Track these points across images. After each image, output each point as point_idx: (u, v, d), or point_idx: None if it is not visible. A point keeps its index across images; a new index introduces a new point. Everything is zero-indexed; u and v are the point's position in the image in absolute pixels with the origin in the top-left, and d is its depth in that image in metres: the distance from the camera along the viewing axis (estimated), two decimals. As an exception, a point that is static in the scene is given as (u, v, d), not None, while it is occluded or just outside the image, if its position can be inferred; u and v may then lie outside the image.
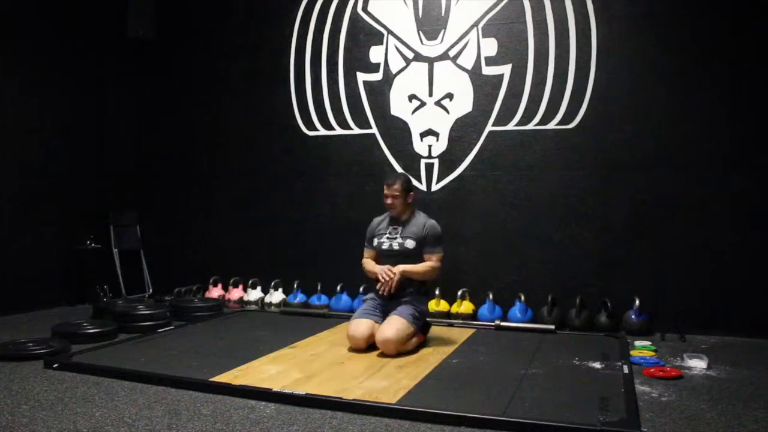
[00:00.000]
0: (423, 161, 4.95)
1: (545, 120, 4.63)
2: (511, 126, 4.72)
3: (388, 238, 3.84)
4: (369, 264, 3.91)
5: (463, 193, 4.85)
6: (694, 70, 4.29)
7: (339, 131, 5.19)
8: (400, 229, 3.84)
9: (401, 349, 3.51)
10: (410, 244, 3.76)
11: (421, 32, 4.94)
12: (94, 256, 5.42)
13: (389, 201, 3.81)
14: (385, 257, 3.84)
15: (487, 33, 4.78)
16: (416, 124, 4.96)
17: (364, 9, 5.11)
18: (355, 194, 5.13)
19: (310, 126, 5.27)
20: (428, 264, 3.77)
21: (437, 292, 4.67)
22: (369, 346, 3.59)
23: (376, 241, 3.89)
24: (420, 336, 3.77)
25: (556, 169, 4.61)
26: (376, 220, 4.02)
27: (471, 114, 4.82)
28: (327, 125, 5.22)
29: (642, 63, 4.40)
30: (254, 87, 5.45)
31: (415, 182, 4.94)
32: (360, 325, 3.63)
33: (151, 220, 5.83)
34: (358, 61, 5.12)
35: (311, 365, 3.35)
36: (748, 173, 4.20)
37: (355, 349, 3.59)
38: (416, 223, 3.83)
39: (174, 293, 5.34)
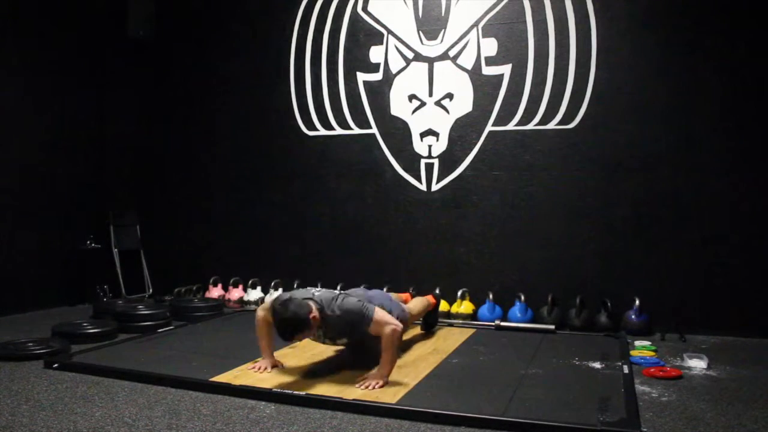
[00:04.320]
0: (423, 161, 4.94)
1: (545, 120, 4.63)
2: (511, 126, 4.72)
3: (316, 339, 3.19)
4: (268, 332, 3.21)
5: (463, 193, 4.85)
6: (694, 70, 4.29)
7: (339, 131, 5.19)
8: (321, 333, 3.13)
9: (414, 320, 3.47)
10: (344, 340, 3.23)
11: (421, 32, 4.94)
12: (94, 256, 5.43)
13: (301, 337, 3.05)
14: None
15: (487, 33, 4.77)
16: (416, 124, 4.96)
17: (364, 9, 5.11)
18: (355, 194, 5.14)
19: (310, 126, 5.27)
20: (387, 337, 2.96)
21: (437, 292, 4.66)
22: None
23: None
24: (431, 297, 3.99)
25: (556, 169, 4.61)
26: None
27: (471, 114, 4.82)
28: (327, 125, 5.22)
29: (642, 63, 4.40)
30: (254, 87, 5.45)
31: (414, 182, 4.95)
32: None
33: (151, 220, 5.83)
34: (358, 61, 5.12)
35: (311, 365, 3.35)
36: (748, 173, 4.20)
37: None
38: (332, 323, 3.04)
39: (174, 293, 5.34)
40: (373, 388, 2.91)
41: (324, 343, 3.26)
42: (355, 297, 3.16)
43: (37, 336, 3.87)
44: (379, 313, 3.04)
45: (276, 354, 3.42)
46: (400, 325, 3.05)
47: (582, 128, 4.54)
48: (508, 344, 3.91)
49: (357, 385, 2.94)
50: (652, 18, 4.37)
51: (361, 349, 3.35)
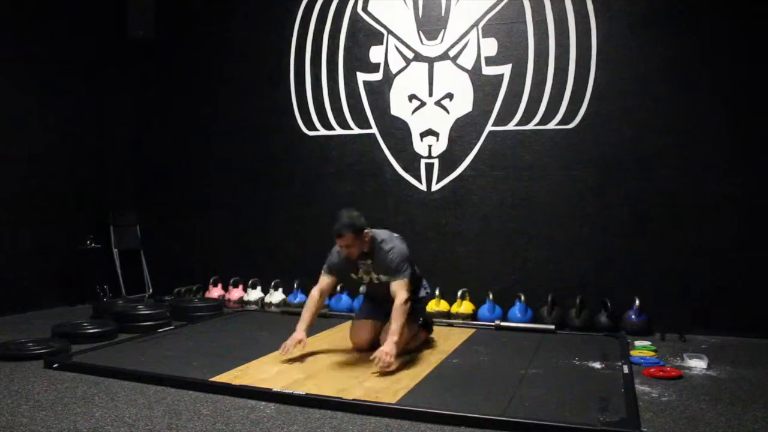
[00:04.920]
0: (423, 161, 4.94)
1: (545, 120, 4.62)
2: (511, 126, 4.72)
3: (365, 272, 3.60)
4: (314, 305, 3.57)
5: (463, 193, 4.84)
6: (694, 70, 4.29)
7: (339, 131, 5.19)
8: (370, 262, 3.53)
9: (408, 347, 3.52)
10: (384, 278, 3.53)
11: (421, 32, 4.94)
12: (94, 256, 5.43)
13: (346, 252, 3.47)
14: (371, 287, 3.73)
15: (487, 33, 4.77)
16: (416, 124, 4.96)
17: (364, 9, 5.11)
18: (355, 194, 5.13)
19: (310, 126, 5.27)
20: (399, 306, 3.29)
21: (437, 292, 4.67)
22: (372, 345, 3.57)
23: (342, 272, 3.66)
24: (424, 332, 3.81)
25: (556, 169, 4.61)
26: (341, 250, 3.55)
27: (471, 114, 4.82)
28: (327, 125, 5.22)
29: (642, 63, 4.40)
30: (254, 87, 5.45)
31: (414, 182, 4.95)
32: (362, 329, 3.65)
33: (151, 220, 5.83)
34: (358, 61, 5.12)
35: (311, 365, 3.35)
36: (747, 173, 4.20)
37: (358, 349, 3.60)
38: (380, 257, 3.47)
39: (174, 293, 5.34)
40: (386, 362, 3.09)
41: (369, 276, 3.59)
42: (401, 250, 3.46)
43: (37, 336, 3.86)
44: (406, 282, 3.35)
45: (276, 354, 3.44)
46: (408, 299, 3.30)
47: (582, 128, 4.54)
48: (508, 344, 3.91)
49: (374, 362, 3.11)
50: (652, 18, 4.37)
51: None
